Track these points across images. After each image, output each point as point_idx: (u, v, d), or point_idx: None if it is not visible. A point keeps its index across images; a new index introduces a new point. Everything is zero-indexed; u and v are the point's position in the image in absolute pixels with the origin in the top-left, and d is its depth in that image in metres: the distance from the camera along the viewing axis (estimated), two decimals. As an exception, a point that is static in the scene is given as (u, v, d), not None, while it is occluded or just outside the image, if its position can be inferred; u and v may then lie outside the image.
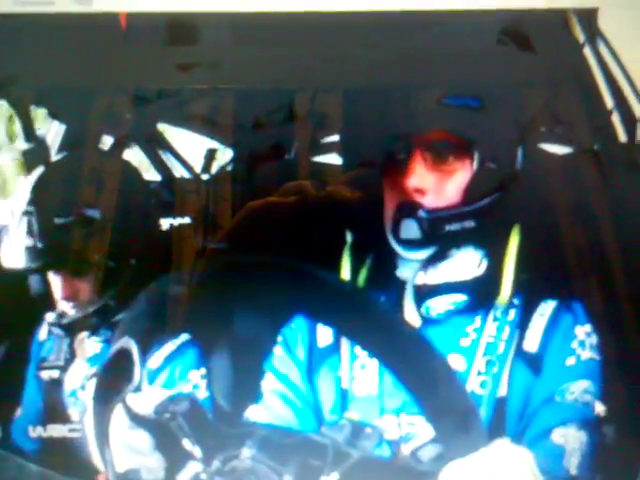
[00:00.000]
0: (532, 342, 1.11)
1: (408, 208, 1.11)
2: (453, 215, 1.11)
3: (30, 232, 1.44)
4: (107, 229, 1.46)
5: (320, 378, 1.17)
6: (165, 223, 1.64)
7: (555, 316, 1.13)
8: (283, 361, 1.19)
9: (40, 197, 1.48)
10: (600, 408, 1.08)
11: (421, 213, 1.10)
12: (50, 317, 1.49)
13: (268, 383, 1.18)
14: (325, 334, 1.18)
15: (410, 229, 1.10)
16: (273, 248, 1.22)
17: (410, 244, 1.11)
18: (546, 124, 1.48)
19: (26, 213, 1.46)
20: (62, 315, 1.48)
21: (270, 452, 0.80)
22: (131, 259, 1.49)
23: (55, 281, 1.48)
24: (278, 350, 1.20)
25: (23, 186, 1.54)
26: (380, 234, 1.15)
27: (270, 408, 1.15)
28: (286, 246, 1.24)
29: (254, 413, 1.15)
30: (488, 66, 1.34)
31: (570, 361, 1.10)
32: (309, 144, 1.71)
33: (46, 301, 1.50)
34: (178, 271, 1.29)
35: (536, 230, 1.17)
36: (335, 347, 1.17)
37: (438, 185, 1.11)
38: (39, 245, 1.43)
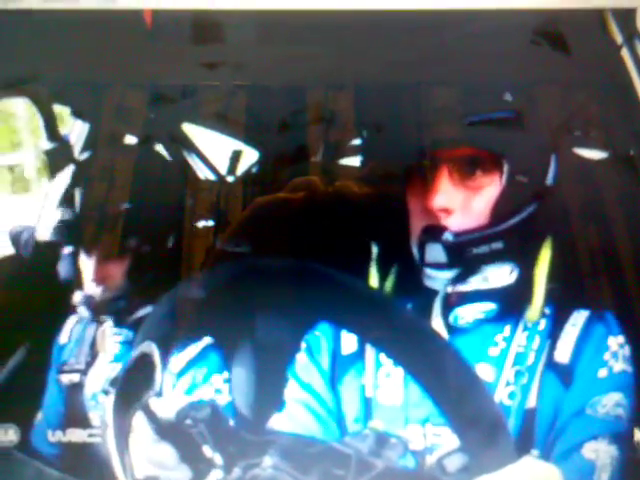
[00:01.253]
0: (563, 353, 1.11)
1: (433, 231, 1.09)
2: (480, 238, 1.10)
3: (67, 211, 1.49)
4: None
5: (344, 386, 1.17)
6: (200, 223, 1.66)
7: (587, 326, 1.12)
8: (306, 369, 1.19)
9: (71, 196, 1.52)
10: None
11: (447, 236, 1.09)
12: (78, 297, 1.51)
13: (291, 391, 1.18)
14: (349, 341, 1.18)
15: (435, 253, 1.09)
16: (281, 245, 1.23)
17: (437, 266, 1.11)
18: (581, 128, 1.47)
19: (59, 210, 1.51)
20: (90, 297, 1.50)
21: (292, 461, 0.80)
22: (168, 243, 1.52)
23: (86, 263, 1.50)
24: (301, 357, 1.20)
25: (55, 183, 1.58)
26: (406, 246, 1.14)
27: (293, 417, 1.16)
28: (294, 243, 1.24)
29: (277, 422, 1.15)
30: (518, 68, 1.34)
31: (602, 373, 1.09)
32: (332, 147, 1.71)
33: (69, 301, 1.52)
34: (188, 269, 1.30)
35: (568, 239, 1.17)
36: (359, 355, 1.17)
37: (465, 203, 1.10)
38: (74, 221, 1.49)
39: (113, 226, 1.50)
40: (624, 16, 1.46)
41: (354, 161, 1.81)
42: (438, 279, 1.12)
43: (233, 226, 1.53)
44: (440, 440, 1.08)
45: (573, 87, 1.45)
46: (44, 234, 1.54)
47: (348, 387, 1.16)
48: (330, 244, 1.16)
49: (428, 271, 1.12)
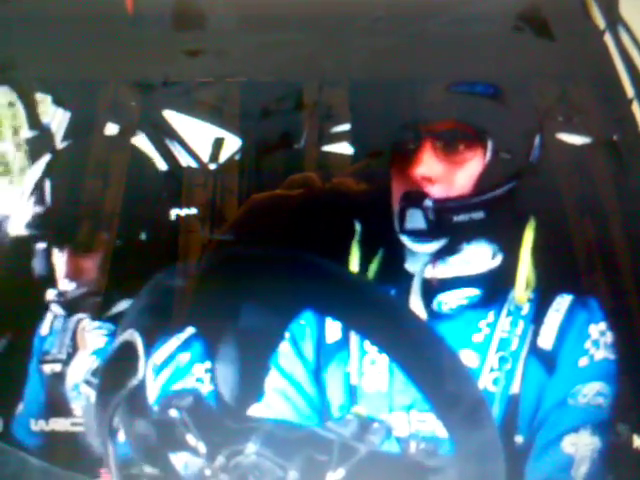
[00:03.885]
0: (547, 339, 1.11)
1: (414, 197, 1.09)
2: (461, 206, 1.09)
3: (40, 202, 1.48)
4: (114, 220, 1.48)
5: (328, 374, 1.17)
6: (173, 213, 1.65)
7: (570, 312, 1.12)
8: (289, 358, 1.19)
9: (47, 184, 1.51)
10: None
11: (427, 202, 1.08)
12: (51, 294, 1.51)
13: (271, 380, 1.18)
14: (334, 329, 1.18)
15: (415, 219, 1.09)
16: (277, 241, 1.22)
17: (416, 235, 1.10)
18: (564, 114, 1.47)
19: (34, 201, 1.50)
20: (63, 293, 1.50)
21: (275, 447, 0.80)
22: (140, 236, 1.52)
23: (59, 259, 1.49)
24: (285, 346, 1.20)
25: (31, 174, 1.56)
26: (389, 226, 1.14)
27: (271, 406, 1.16)
28: (291, 239, 1.24)
29: (256, 411, 1.15)
30: (503, 53, 1.33)
31: (583, 362, 1.10)
32: (317, 134, 1.70)
33: (48, 280, 1.51)
34: (184, 263, 1.30)
35: (552, 222, 1.17)
36: (344, 343, 1.17)
37: (448, 175, 1.10)
38: (48, 214, 1.47)
39: (88, 220, 1.49)
40: (607, 2, 1.46)
41: (340, 148, 1.81)
42: (420, 255, 1.12)
43: (230, 222, 1.53)
44: (425, 426, 1.08)
45: (557, 73, 1.45)
46: (19, 226, 1.52)
47: (333, 375, 1.17)
48: (327, 239, 1.16)
49: (409, 244, 1.11)
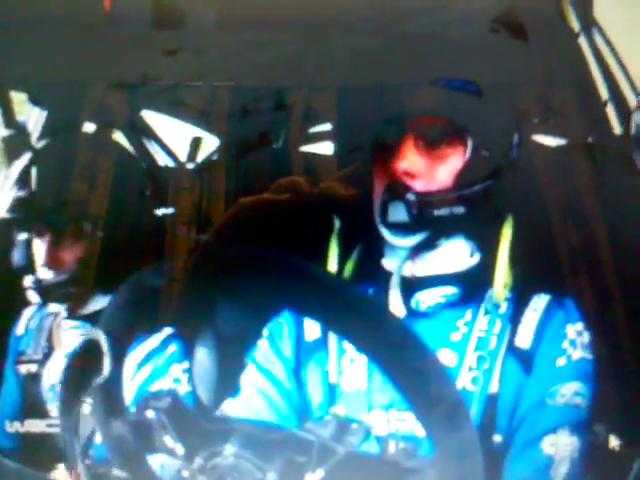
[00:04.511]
0: (524, 338, 1.11)
1: (397, 190, 1.09)
2: (442, 199, 1.10)
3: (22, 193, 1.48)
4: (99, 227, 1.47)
5: (307, 373, 1.16)
6: (158, 211, 1.65)
7: (547, 312, 1.12)
8: (267, 356, 1.18)
9: (28, 185, 1.51)
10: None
11: (409, 195, 1.09)
12: (28, 281, 1.49)
13: (248, 377, 1.17)
14: (312, 328, 1.17)
15: (398, 212, 1.09)
16: (264, 246, 1.21)
17: (398, 228, 1.10)
18: (540, 115, 1.48)
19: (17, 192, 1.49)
20: (41, 281, 1.48)
21: (254, 449, 0.79)
22: (122, 232, 1.51)
23: (39, 247, 1.48)
24: (263, 344, 1.19)
25: (10, 173, 1.55)
26: (369, 222, 1.14)
27: (247, 402, 1.14)
28: (278, 244, 1.23)
29: (231, 407, 1.14)
30: (481, 55, 1.34)
31: (561, 362, 1.10)
32: (300, 134, 1.70)
33: (27, 269, 1.50)
34: (167, 263, 1.29)
35: (529, 222, 1.17)
36: (323, 341, 1.16)
37: (429, 169, 1.10)
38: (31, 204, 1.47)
39: (70, 210, 1.48)
40: (582, 4, 1.47)
41: (324, 147, 1.81)
42: (399, 250, 1.11)
43: (216, 226, 1.52)
44: (403, 425, 1.08)
45: (533, 74, 1.46)
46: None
47: (312, 374, 1.16)
48: (313, 244, 1.16)
49: (390, 238, 1.11)
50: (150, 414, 0.88)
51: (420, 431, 1.01)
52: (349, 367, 1.14)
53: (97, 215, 1.50)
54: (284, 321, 1.19)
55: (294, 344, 1.18)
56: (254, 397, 1.15)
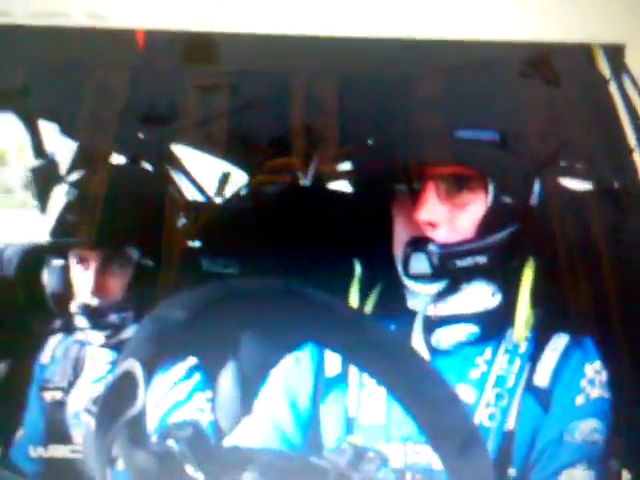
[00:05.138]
0: (543, 377, 1.15)
1: (418, 243, 1.13)
2: (465, 250, 1.13)
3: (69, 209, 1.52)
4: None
5: (325, 407, 1.21)
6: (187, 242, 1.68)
7: (566, 352, 1.16)
8: (285, 386, 1.22)
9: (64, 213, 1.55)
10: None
11: (431, 247, 1.12)
12: (74, 306, 1.51)
13: (264, 406, 1.22)
14: (333, 363, 1.22)
15: (420, 263, 1.13)
16: (260, 240, 1.23)
17: (420, 279, 1.14)
18: (567, 159, 1.52)
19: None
20: (87, 306, 1.50)
21: (272, 477, 0.83)
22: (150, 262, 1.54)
23: (81, 275, 1.51)
24: (282, 374, 1.24)
25: (49, 203, 1.60)
26: (389, 264, 1.18)
27: (261, 432, 1.19)
28: (273, 237, 1.25)
29: (248, 438, 1.18)
30: (507, 97, 1.37)
31: (579, 400, 1.14)
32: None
33: (51, 318, 1.55)
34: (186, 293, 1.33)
35: (551, 264, 1.20)
36: (343, 377, 1.20)
37: (451, 218, 1.14)
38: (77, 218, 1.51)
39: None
40: (613, 51, 1.51)
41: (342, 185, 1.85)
42: (421, 295, 1.16)
43: (211, 218, 1.55)
44: (420, 458, 1.12)
45: (560, 118, 1.50)
46: (32, 249, 1.56)
47: (330, 407, 1.20)
48: (311, 252, 1.20)
49: (411, 285, 1.15)
50: (172, 444, 0.92)
51: (437, 464, 1.05)
52: (368, 401, 1.18)
53: (140, 243, 1.53)
54: (305, 354, 1.24)
55: (314, 378, 1.22)
56: (268, 427, 1.19)
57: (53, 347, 1.62)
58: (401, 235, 1.17)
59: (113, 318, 1.50)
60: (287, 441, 1.19)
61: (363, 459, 0.83)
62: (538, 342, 1.17)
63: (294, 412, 1.21)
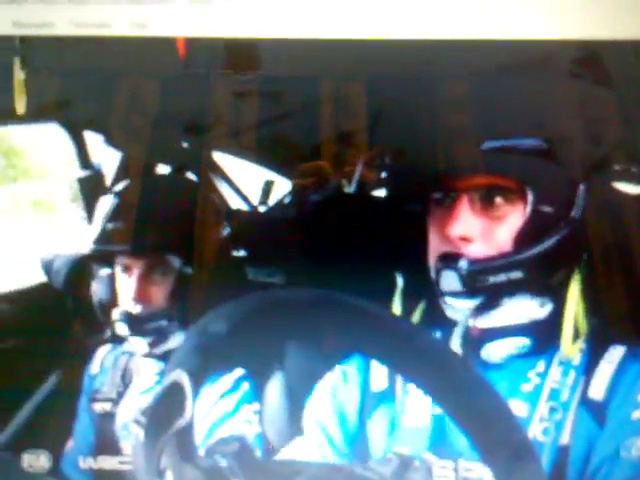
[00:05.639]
0: (598, 390, 1.14)
1: (449, 258, 1.12)
2: (497, 266, 1.11)
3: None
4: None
5: (371, 421, 1.22)
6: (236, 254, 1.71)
7: (622, 364, 1.15)
8: (332, 400, 1.24)
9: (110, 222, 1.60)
10: None
11: (461, 263, 1.11)
12: (116, 314, 1.55)
13: (312, 416, 1.24)
14: (379, 377, 1.23)
15: (449, 280, 1.12)
16: (304, 249, 1.24)
17: (453, 295, 1.14)
18: (620, 162, 1.50)
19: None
20: (130, 313, 1.54)
21: (319, 490, 0.85)
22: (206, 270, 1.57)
23: (126, 282, 1.55)
24: (330, 386, 1.26)
25: (90, 214, 1.65)
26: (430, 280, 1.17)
27: (309, 442, 1.21)
28: (318, 247, 1.26)
29: (295, 451, 1.20)
30: (554, 102, 1.37)
31: (636, 415, 1.12)
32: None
33: (100, 328, 1.59)
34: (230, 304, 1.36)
35: (602, 273, 1.19)
36: (390, 391, 1.22)
37: (486, 232, 1.12)
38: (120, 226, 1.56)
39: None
40: (666, 48, 1.49)
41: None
42: (458, 309, 1.16)
43: (256, 226, 1.58)
44: (471, 474, 1.12)
45: (612, 120, 1.48)
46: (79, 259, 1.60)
47: (377, 421, 1.21)
48: (355, 262, 1.21)
49: (448, 300, 1.15)
50: (219, 459, 0.94)
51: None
52: (413, 409, 1.18)
53: (182, 250, 1.56)
54: (351, 367, 1.25)
55: (361, 392, 1.24)
56: (316, 437, 1.21)
57: (102, 357, 1.66)
58: (435, 248, 1.16)
59: (154, 325, 1.53)
60: (335, 453, 1.20)
61: (409, 469, 0.84)
62: (593, 354, 1.16)
63: (342, 426, 1.22)
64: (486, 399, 0.83)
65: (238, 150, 2.02)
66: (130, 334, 1.55)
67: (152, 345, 1.55)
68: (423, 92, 1.23)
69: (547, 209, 1.12)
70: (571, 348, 1.15)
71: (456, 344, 1.16)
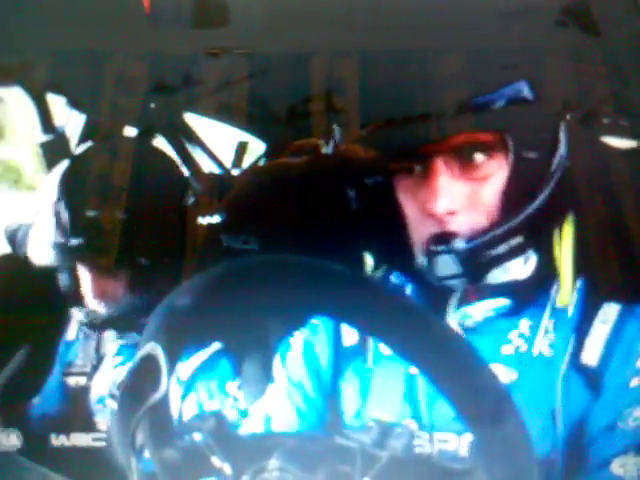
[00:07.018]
0: (592, 355, 1.10)
1: (442, 241, 1.07)
2: (497, 237, 1.07)
3: (59, 228, 1.55)
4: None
5: (344, 381, 1.21)
6: (202, 221, 1.72)
7: (618, 325, 1.11)
8: (300, 364, 1.25)
9: (68, 192, 1.59)
10: None
11: (457, 244, 1.06)
12: (79, 315, 1.59)
13: (281, 387, 1.24)
14: (350, 334, 1.21)
15: (447, 265, 1.07)
16: (280, 216, 1.25)
17: (450, 278, 1.09)
18: (610, 115, 1.51)
19: (54, 209, 1.57)
20: (92, 313, 1.58)
21: (298, 461, 0.87)
22: (165, 257, 1.58)
23: (85, 278, 1.57)
24: (297, 351, 1.26)
25: (49, 181, 1.64)
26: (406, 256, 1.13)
27: (279, 413, 1.22)
28: (295, 212, 1.26)
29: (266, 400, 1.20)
30: (542, 52, 1.35)
31: (634, 382, 1.09)
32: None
33: (75, 298, 1.60)
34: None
35: (595, 223, 1.17)
36: (361, 347, 1.19)
37: (472, 198, 1.06)
38: (70, 242, 1.54)
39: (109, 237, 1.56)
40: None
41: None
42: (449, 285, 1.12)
43: (231, 193, 1.59)
44: (446, 446, 1.11)
45: (602, 71, 1.49)
46: (39, 258, 1.60)
47: (349, 381, 1.20)
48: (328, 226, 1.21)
49: (441, 282, 1.10)
50: (196, 436, 0.97)
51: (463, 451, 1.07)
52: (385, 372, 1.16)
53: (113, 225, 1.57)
54: (320, 327, 1.24)
55: (333, 346, 1.23)
56: (285, 407, 1.22)
57: (79, 323, 1.67)
58: (419, 232, 1.11)
59: (118, 323, 1.56)
60: (308, 407, 1.20)
61: (390, 435, 0.85)
62: (585, 313, 1.12)
63: (314, 379, 1.22)
64: (461, 353, 0.83)
65: (211, 111, 2.02)
66: (94, 337, 1.60)
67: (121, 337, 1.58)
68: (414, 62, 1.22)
69: (530, 154, 1.07)
70: (567, 295, 1.11)
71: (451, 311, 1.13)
